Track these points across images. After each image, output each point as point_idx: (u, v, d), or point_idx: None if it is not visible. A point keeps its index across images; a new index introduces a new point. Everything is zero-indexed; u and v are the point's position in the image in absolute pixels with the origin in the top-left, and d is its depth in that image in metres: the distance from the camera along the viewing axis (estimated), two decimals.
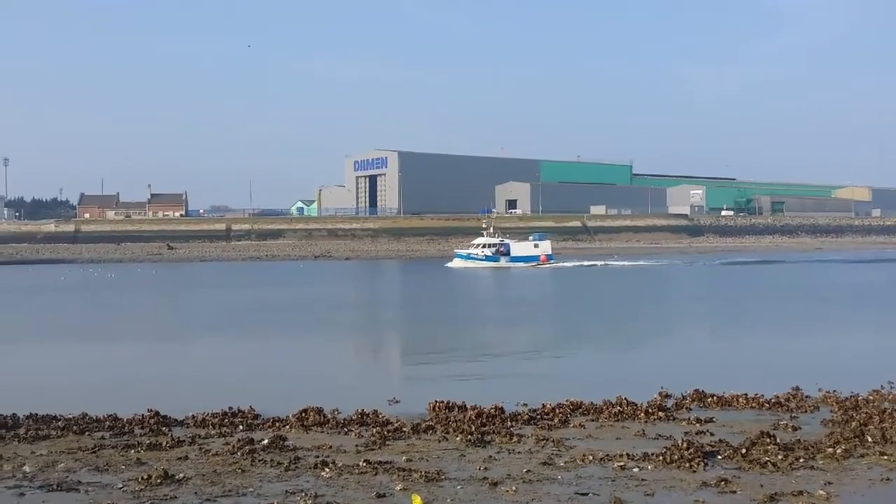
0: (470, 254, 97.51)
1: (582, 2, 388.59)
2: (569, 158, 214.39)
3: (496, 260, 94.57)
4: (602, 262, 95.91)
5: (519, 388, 19.98)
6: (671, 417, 16.40)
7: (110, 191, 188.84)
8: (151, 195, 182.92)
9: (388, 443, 14.23)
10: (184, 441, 14.47)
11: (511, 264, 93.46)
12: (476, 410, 16.55)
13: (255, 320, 41.07)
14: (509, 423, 15.75)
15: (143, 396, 19.28)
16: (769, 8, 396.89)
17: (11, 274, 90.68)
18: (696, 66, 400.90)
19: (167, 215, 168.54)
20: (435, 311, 46.19)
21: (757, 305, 45.73)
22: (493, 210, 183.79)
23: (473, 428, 15.04)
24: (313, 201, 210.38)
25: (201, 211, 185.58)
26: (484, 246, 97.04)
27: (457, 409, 16.91)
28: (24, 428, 15.66)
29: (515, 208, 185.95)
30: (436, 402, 17.43)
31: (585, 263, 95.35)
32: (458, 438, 14.41)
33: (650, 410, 16.76)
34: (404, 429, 15.20)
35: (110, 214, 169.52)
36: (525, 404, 17.48)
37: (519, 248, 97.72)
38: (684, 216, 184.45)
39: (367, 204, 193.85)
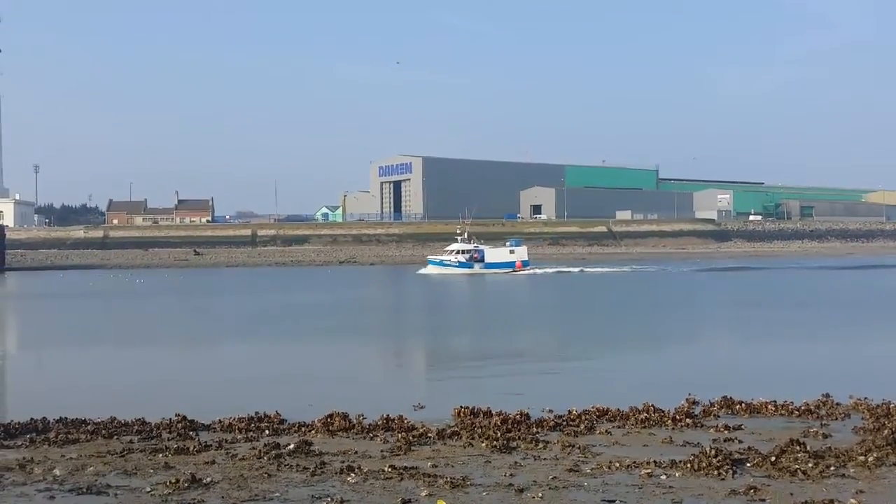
0: (443, 260, 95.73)
1: (607, 5, 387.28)
2: (594, 163, 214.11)
3: (470, 266, 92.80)
4: (579, 269, 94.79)
5: (544, 394, 19.89)
6: (699, 424, 16.25)
7: (138, 197, 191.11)
8: (178, 201, 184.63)
9: (413, 448, 14.21)
10: (211, 445, 14.54)
11: (485, 271, 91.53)
12: (501, 416, 16.49)
13: (279, 325, 41.27)
14: (535, 430, 15.67)
15: (170, 401, 19.42)
16: (796, 9, 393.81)
17: (42, 279, 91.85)
18: (723, 69, 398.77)
19: (194, 221, 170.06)
20: (444, 317, 46.19)
21: (751, 313, 45.30)
22: (519, 215, 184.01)
23: (499, 434, 14.98)
24: (338, 207, 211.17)
25: (227, 217, 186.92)
26: (458, 252, 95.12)
27: (482, 415, 16.85)
28: (53, 432, 15.81)
29: (540, 213, 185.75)
30: (461, 407, 17.39)
31: (563, 270, 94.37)
32: (483, 444, 14.37)
33: (677, 417, 16.62)
34: (429, 434, 15.18)
35: (138, 220, 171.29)
36: (550, 410, 17.40)
37: (494, 254, 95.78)
38: (711, 221, 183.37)
39: (392, 209, 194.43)
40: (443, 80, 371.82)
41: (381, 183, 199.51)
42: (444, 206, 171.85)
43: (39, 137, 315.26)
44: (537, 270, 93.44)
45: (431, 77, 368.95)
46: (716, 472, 12.23)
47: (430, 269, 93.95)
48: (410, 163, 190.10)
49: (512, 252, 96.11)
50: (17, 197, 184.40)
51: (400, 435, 15.13)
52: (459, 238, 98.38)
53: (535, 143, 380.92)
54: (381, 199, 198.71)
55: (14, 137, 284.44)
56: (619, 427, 16.08)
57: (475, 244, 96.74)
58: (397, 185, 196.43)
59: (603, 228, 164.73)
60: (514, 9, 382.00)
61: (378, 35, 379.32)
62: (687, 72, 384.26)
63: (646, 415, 16.83)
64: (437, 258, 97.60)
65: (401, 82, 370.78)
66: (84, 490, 11.63)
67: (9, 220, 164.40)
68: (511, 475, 12.27)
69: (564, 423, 16.30)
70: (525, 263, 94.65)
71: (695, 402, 18.41)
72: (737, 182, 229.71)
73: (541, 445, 14.32)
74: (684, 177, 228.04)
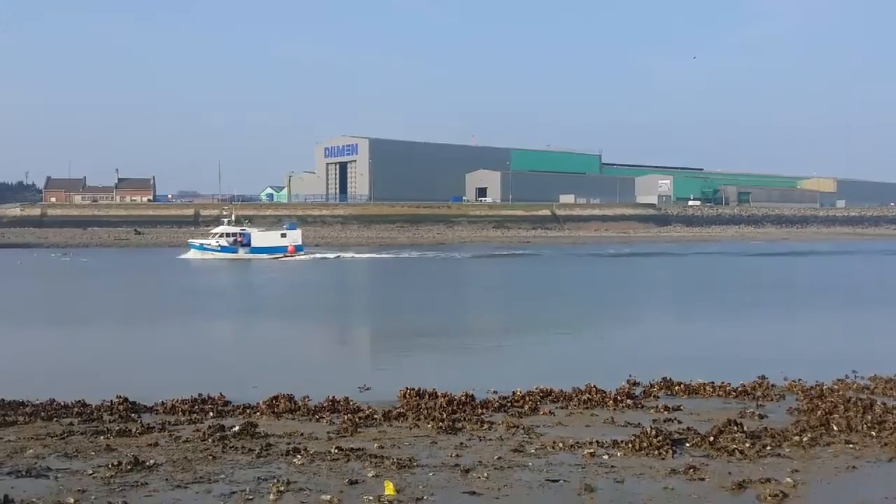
0: (203, 244, 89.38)
1: None
2: (539, 147, 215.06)
3: (233, 251, 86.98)
4: (335, 255, 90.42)
5: (488, 375, 20.08)
6: (639, 405, 16.58)
7: (77, 175, 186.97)
8: (119, 180, 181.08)
9: (359, 430, 14.25)
10: (154, 427, 14.40)
11: (252, 256, 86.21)
12: (447, 398, 16.62)
13: (215, 305, 40.93)
14: (480, 411, 15.84)
15: (110, 382, 19.19)
16: (738, 1, 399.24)
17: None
18: (664, 58, 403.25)
19: (135, 200, 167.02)
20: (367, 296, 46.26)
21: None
22: (464, 198, 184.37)
23: (444, 415, 15.10)
24: (283, 188, 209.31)
25: (169, 196, 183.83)
26: (221, 235, 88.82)
27: (427, 397, 16.96)
28: None
29: (486, 196, 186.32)
30: (406, 389, 17.47)
31: (330, 256, 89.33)
32: (429, 426, 14.47)
33: (619, 398, 16.93)
34: (375, 416, 15.23)
35: (77, 199, 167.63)
36: (495, 392, 17.59)
37: (262, 238, 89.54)
38: (652, 206, 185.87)
39: (338, 191, 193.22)
40: (390, 62, 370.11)
41: (327, 164, 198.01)
42: (390, 188, 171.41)
43: None
44: (317, 255, 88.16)
45: (378, 58, 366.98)
46: (656, 452, 12.50)
47: (192, 254, 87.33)
48: (356, 144, 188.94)
49: (284, 236, 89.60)
50: None
51: (346, 416, 15.16)
52: (226, 221, 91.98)
53: (481, 127, 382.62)
54: (327, 180, 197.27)
55: None
56: (562, 408, 16.32)
57: (242, 228, 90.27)
58: (343, 167, 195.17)
59: (547, 212, 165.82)
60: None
61: (323, 15, 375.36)
62: (630, 60, 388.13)
63: (588, 396, 17.11)
64: (198, 242, 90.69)
65: (347, 63, 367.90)
66: (23, 473, 11.42)
67: None
68: (457, 456, 12.39)
69: (509, 404, 16.50)
70: (299, 248, 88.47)
71: (635, 384, 18.76)
72: (677, 168, 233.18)
73: (486, 426, 14.47)
74: (627, 162, 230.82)
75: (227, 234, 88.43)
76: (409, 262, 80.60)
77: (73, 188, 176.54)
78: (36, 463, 11.96)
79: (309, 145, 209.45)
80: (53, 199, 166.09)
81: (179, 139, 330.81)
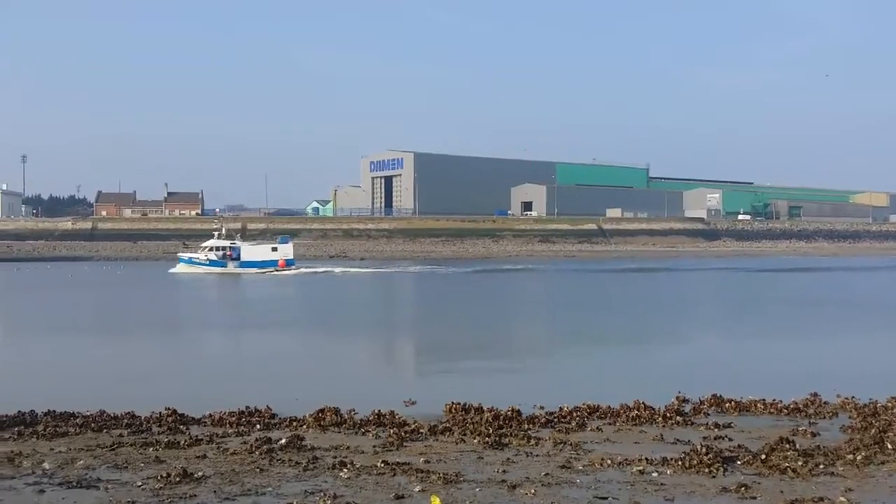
0: (192, 258, 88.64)
1: (599, 5, 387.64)
2: (585, 161, 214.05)
3: (222, 265, 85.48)
4: (340, 270, 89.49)
5: (534, 391, 19.93)
6: (689, 422, 16.32)
7: (127, 189, 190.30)
8: (168, 194, 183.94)
9: (405, 444, 14.21)
10: (202, 440, 14.50)
11: (241, 270, 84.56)
12: (493, 413, 16.51)
13: (268, 318, 41.23)
14: (526, 426, 15.71)
15: (159, 393, 19.48)
16: (786, 11, 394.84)
17: (29, 270, 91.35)
18: (714, 70, 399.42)
19: (183, 214, 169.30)
20: (434, 311, 46.19)
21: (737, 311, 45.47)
22: (510, 212, 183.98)
23: (491, 430, 15.00)
24: (329, 201, 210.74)
25: (217, 210, 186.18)
26: (210, 249, 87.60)
27: (473, 412, 16.86)
28: (42, 425, 15.75)
29: (531, 210, 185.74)
30: (452, 403, 17.39)
31: (320, 270, 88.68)
32: (475, 440, 14.38)
33: (668, 415, 16.68)
34: (421, 430, 15.18)
35: (127, 212, 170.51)
36: (542, 407, 17.44)
37: (252, 251, 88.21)
38: (701, 220, 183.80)
39: (383, 204, 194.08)
40: (435, 77, 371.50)
41: (373, 178, 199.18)
42: (435, 202, 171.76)
43: (27, 128, 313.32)
44: (304, 269, 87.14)
45: (424, 73, 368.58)
46: (707, 470, 12.28)
47: (180, 268, 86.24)
48: (402, 158, 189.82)
49: (275, 250, 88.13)
50: (5, 187, 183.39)
51: (392, 430, 15.13)
52: (216, 234, 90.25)
53: (526, 141, 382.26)
54: (373, 193, 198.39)
55: (2, 128, 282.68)
56: (609, 424, 16.12)
57: (232, 242, 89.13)
58: (388, 181, 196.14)
59: (593, 226, 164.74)
60: (507, 7, 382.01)
61: (371, 30, 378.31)
62: (679, 73, 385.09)
63: (636, 412, 16.88)
64: (187, 256, 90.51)
65: (392, 77, 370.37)
66: (74, 484, 11.56)
67: None
68: (504, 471, 12.29)
69: (556, 419, 16.34)
70: (290, 262, 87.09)
71: (685, 400, 18.47)
72: (726, 182, 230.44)
73: (532, 442, 14.34)
74: (675, 176, 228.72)
75: (217, 248, 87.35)
76: (408, 278, 79.81)
77: (124, 202, 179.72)
78: (86, 474, 12.10)
79: (355, 159, 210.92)
80: (104, 213, 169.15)
81: (227, 154, 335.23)
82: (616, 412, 16.99)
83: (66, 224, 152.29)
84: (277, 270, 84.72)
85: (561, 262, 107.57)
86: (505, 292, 62.51)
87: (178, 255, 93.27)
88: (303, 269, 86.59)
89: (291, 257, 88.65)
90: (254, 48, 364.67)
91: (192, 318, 44.35)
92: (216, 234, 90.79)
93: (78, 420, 16.13)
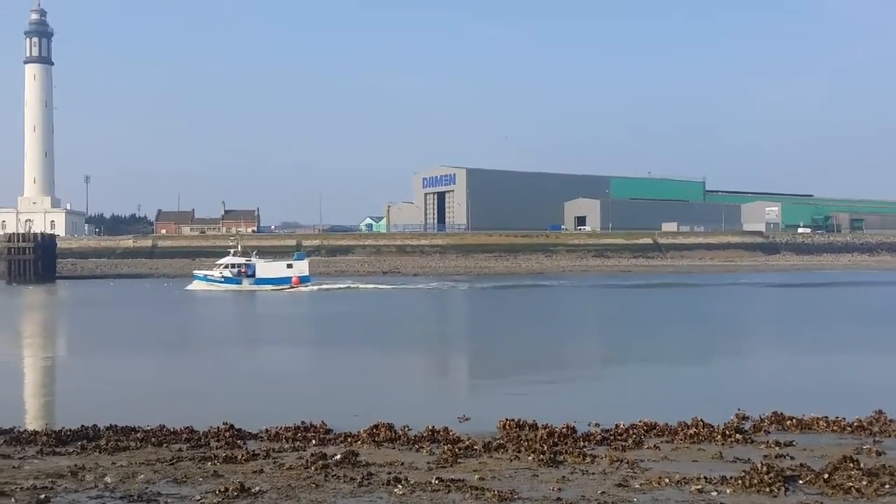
0: (206, 275, 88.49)
1: (652, 15, 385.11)
2: (639, 175, 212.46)
3: (237, 282, 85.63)
4: (349, 285, 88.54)
5: (589, 407, 19.76)
6: (749, 440, 16.00)
7: (186, 207, 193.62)
8: (225, 211, 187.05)
9: (459, 461, 14.17)
10: (258, 454, 14.64)
11: (256, 287, 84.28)
12: (547, 429, 16.40)
13: (321, 334, 41.57)
14: (582, 443, 15.56)
15: (216, 408, 19.83)
16: (845, 19, 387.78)
17: (92, 288, 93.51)
18: (772, 80, 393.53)
19: (240, 231, 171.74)
20: (486, 326, 46.07)
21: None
22: (563, 227, 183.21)
23: (545, 447, 14.89)
24: (382, 217, 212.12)
25: (272, 227, 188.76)
26: (225, 266, 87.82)
27: (527, 428, 16.77)
28: (104, 439, 16.05)
29: (585, 225, 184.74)
30: (506, 420, 17.33)
31: (341, 286, 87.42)
32: (529, 458, 14.28)
33: (727, 432, 16.37)
34: (475, 447, 15.13)
35: (186, 230, 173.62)
36: (597, 424, 17.27)
37: (266, 268, 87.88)
38: (759, 233, 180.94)
39: (436, 220, 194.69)
40: (487, 92, 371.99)
41: (425, 194, 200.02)
42: (488, 218, 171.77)
43: (90, 148, 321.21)
44: (324, 286, 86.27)
45: (475, 89, 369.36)
46: (768, 489, 12.02)
47: (195, 285, 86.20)
48: (454, 174, 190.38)
49: (290, 267, 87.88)
50: (69, 207, 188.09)
51: (446, 447, 15.10)
52: (232, 251, 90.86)
53: (579, 155, 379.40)
54: (425, 210, 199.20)
55: (66, 148, 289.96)
56: (667, 442, 15.89)
57: (248, 259, 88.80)
58: (441, 196, 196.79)
59: (648, 240, 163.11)
60: (556, 23, 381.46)
61: (420, 47, 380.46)
62: (734, 83, 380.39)
63: (694, 430, 16.61)
64: (202, 273, 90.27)
65: (444, 93, 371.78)
66: (135, 498, 11.75)
67: (60, 230, 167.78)
68: (559, 489, 12.17)
69: (612, 437, 16.15)
70: (305, 279, 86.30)
71: (744, 418, 18.14)
72: (785, 194, 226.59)
73: (588, 460, 14.19)
74: (732, 189, 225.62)
75: (232, 265, 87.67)
76: (431, 295, 78.32)
77: (183, 220, 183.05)
78: (147, 488, 12.29)
79: (407, 176, 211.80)
80: (164, 231, 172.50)
81: (282, 171, 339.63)
82: (674, 430, 16.74)
83: (128, 242, 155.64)
84: (292, 287, 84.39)
85: (615, 277, 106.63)
86: (547, 308, 62.21)
87: (193, 272, 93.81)
88: (315, 287, 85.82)
89: (307, 274, 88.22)
90: (307, 70, 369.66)
91: (241, 333, 44.91)
92: (232, 251, 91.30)
93: (139, 434, 16.41)
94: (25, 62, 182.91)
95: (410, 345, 37.92)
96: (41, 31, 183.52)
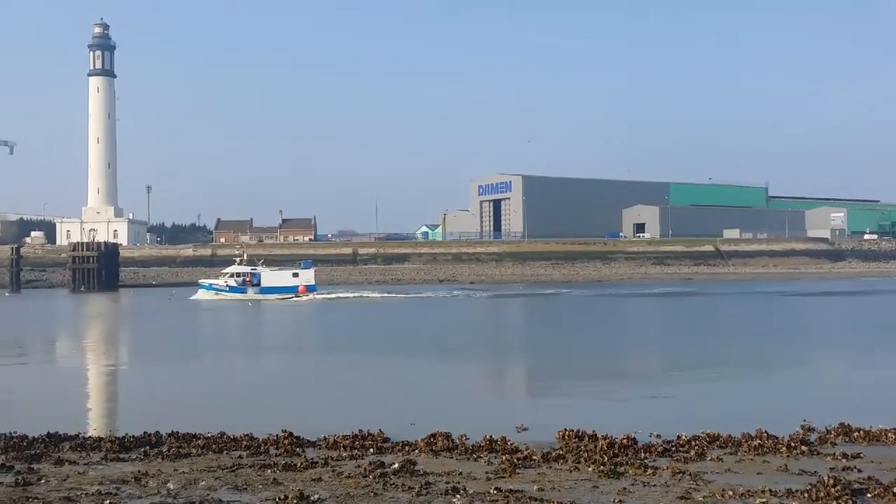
0: (212, 284, 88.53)
1: (711, 17, 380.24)
2: (700, 181, 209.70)
3: (242, 291, 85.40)
4: (357, 294, 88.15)
5: (649, 418, 19.47)
6: (815, 452, 15.59)
7: (244, 216, 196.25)
8: (282, 220, 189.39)
9: (517, 471, 14.04)
10: (317, 462, 14.70)
11: (261, 296, 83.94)
12: (607, 440, 16.18)
13: (379, 341, 41.70)
14: (643, 455, 15.31)
15: (274, 414, 20.11)
16: None
17: (153, 295, 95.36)
18: (836, 84, 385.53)
19: (297, 239, 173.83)
20: (536, 335, 45.75)
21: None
22: (621, 234, 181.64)
23: (606, 458, 14.68)
24: (438, 225, 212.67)
25: (329, 235, 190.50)
26: (231, 275, 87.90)
27: (587, 438, 16.57)
28: (166, 446, 16.29)
29: (644, 232, 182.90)
30: (565, 430, 17.14)
31: (345, 295, 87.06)
32: (589, 469, 14.10)
33: (792, 444, 15.99)
34: (534, 457, 14.99)
35: (244, 239, 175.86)
36: (658, 435, 17.00)
37: (272, 277, 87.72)
38: (824, 240, 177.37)
39: (492, 228, 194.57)
40: (541, 98, 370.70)
41: (481, 201, 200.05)
42: (544, 225, 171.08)
43: (152, 159, 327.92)
44: (330, 295, 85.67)
45: (529, 95, 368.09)
46: (834, 503, 11.69)
47: (201, 294, 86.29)
48: (510, 181, 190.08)
49: (296, 276, 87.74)
50: (131, 216, 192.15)
51: (504, 457, 14.99)
52: (238, 260, 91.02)
53: (637, 161, 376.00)
54: (481, 217, 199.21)
55: (128, 159, 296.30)
56: (730, 454, 15.56)
57: (253, 268, 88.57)
58: (497, 204, 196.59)
59: (710, 247, 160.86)
60: (609, 25, 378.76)
61: (473, 55, 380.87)
62: (797, 87, 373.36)
63: (759, 441, 16.25)
64: (208, 282, 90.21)
65: (499, 100, 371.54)
66: None
67: (123, 239, 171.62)
68: (620, 501, 11.99)
69: (673, 448, 15.87)
70: (311, 288, 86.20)
71: (810, 429, 17.69)
72: (851, 200, 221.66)
73: (649, 471, 13.95)
74: (796, 195, 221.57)
75: (237, 274, 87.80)
76: (433, 303, 77.95)
77: (241, 229, 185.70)
78: (208, 495, 12.41)
79: (463, 183, 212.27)
80: (223, 240, 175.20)
81: (339, 180, 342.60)
82: (737, 441, 16.40)
83: (188, 251, 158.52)
84: (298, 296, 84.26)
85: (676, 285, 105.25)
86: (589, 316, 61.58)
87: (199, 281, 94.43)
88: (329, 295, 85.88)
89: (313, 283, 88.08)
90: (363, 79, 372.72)
91: (289, 340, 45.22)
92: (238, 260, 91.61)
93: (199, 441, 16.61)
94: (89, 75, 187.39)
95: (459, 353, 37.78)
96: (104, 44, 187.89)
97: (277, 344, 43.94)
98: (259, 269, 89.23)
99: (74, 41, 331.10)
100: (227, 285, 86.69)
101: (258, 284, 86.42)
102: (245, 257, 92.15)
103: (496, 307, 73.58)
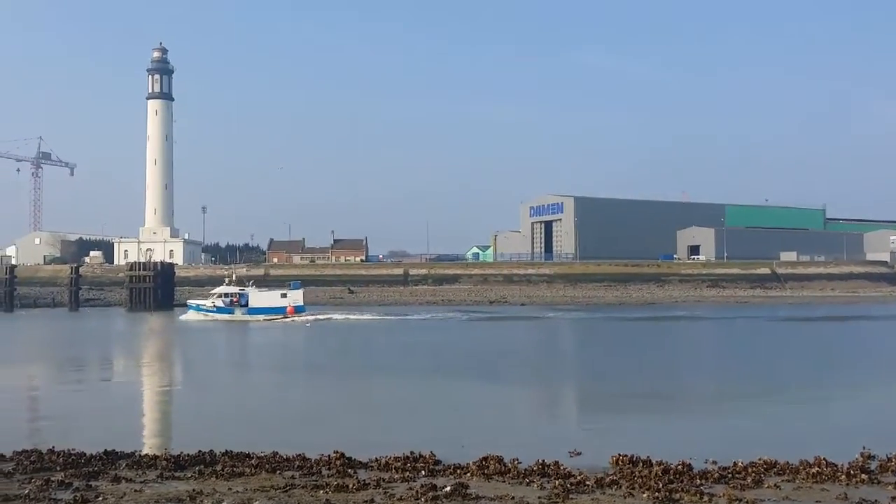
0: (199, 305, 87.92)
1: (763, 38, 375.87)
2: (756, 202, 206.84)
3: (230, 312, 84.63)
4: (343, 315, 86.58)
5: (704, 444, 19.16)
6: (875, 480, 15.21)
7: (297, 236, 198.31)
8: (334, 241, 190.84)
9: (571, 496, 13.90)
10: (369, 484, 14.73)
11: (249, 317, 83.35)
12: (662, 466, 15.95)
13: (430, 363, 41.63)
14: (698, 482, 15.06)
15: (325, 434, 20.22)
16: None
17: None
18: (891, 100, 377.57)
19: (348, 260, 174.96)
20: (593, 358, 45.29)
21: None
22: (675, 256, 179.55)
23: (661, 485, 14.47)
24: (488, 246, 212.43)
25: (380, 256, 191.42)
26: (218, 296, 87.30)
27: (641, 464, 16.36)
28: (220, 464, 16.46)
29: (698, 254, 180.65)
30: (619, 455, 16.95)
31: (337, 316, 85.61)
32: (644, 495, 13.90)
33: (852, 472, 15.61)
34: (587, 482, 14.83)
35: (296, 259, 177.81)
36: (714, 461, 16.71)
37: (260, 298, 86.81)
38: (884, 263, 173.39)
39: (543, 249, 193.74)
40: (593, 120, 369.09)
41: (532, 223, 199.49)
42: (596, 247, 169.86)
43: (206, 179, 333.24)
44: (319, 316, 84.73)
45: (580, 117, 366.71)
46: None
47: (190, 315, 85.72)
48: (562, 203, 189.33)
49: (284, 296, 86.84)
50: (187, 237, 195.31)
51: (556, 482, 14.86)
52: (226, 281, 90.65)
53: (691, 183, 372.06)
54: (532, 238, 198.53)
55: (184, 180, 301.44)
56: (788, 481, 15.24)
57: (241, 288, 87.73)
58: (548, 225, 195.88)
59: (766, 270, 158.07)
60: (667, 49, 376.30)
61: (523, 77, 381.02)
62: (853, 106, 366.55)
63: (817, 469, 15.90)
64: (196, 303, 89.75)
65: (549, 122, 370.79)
66: None
67: (178, 259, 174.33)
68: None
69: (730, 475, 15.59)
70: (299, 309, 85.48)
71: (870, 457, 17.26)
72: None
73: (705, 498, 13.71)
74: (854, 217, 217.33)
75: (225, 295, 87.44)
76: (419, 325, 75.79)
77: (293, 249, 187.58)
78: None
79: (514, 204, 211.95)
80: (275, 260, 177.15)
81: (390, 201, 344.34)
82: (795, 468, 16.07)
83: (241, 270, 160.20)
84: (286, 317, 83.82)
85: (731, 308, 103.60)
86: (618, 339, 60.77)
87: (187, 301, 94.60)
88: (318, 316, 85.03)
89: (301, 304, 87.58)
90: (415, 101, 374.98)
91: (329, 361, 45.24)
92: (226, 280, 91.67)
93: (253, 461, 16.74)
94: (148, 98, 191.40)
95: (506, 376, 37.46)
96: (162, 68, 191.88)
97: (318, 364, 43.79)
98: (247, 289, 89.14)
99: (134, 65, 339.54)
100: (215, 306, 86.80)
101: (246, 305, 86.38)
102: (234, 278, 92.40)
103: (549, 330, 73.17)
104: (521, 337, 63.96)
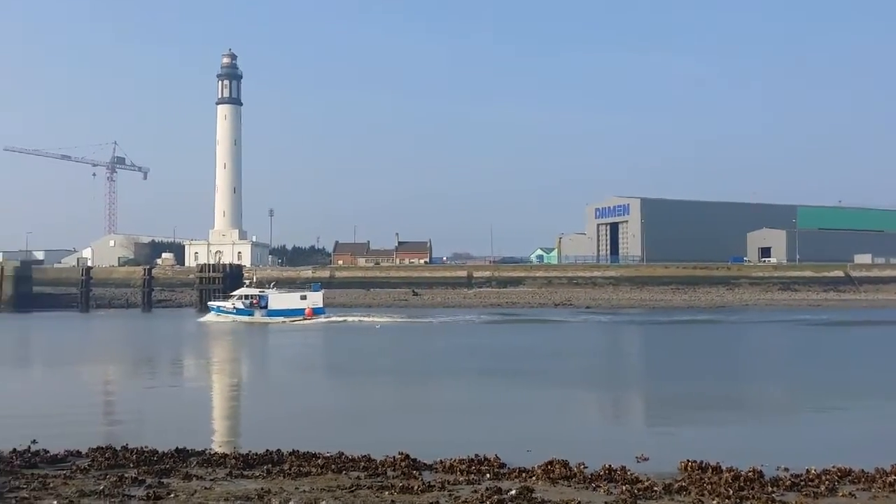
0: (220, 307, 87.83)
1: (834, 32, 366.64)
2: (829, 203, 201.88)
3: (250, 313, 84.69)
4: (358, 318, 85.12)
5: (776, 450, 18.71)
6: None
7: (361, 239, 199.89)
8: (398, 243, 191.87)
9: (638, 502, 13.72)
10: (434, 486, 14.73)
11: (268, 319, 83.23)
12: (732, 473, 15.63)
13: (494, 366, 41.52)
14: (770, 489, 14.72)
15: (389, 435, 20.42)
16: None
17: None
18: None
19: (412, 262, 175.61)
20: (668, 362, 44.60)
21: None
22: (745, 258, 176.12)
23: (731, 492, 14.18)
24: (553, 249, 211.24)
25: (444, 258, 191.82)
26: (239, 298, 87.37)
27: (711, 471, 16.05)
28: (287, 464, 16.65)
29: (769, 256, 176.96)
30: (688, 461, 16.67)
31: (349, 319, 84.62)
32: (713, 502, 13.65)
33: None
34: (655, 488, 14.61)
35: (361, 261, 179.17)
36: (786, 469, 16.32)
37: (279, 300, 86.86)
38: None
39: (609, 252, 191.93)
40: (659, 123, 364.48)
41: (598, 225, 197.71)
42: (663, 249, 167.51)
43: (274, 183, 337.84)
44: (337, 318, 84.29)
45: (647, 120, 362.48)
46: None
47: (209, 317, 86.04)
48: (628, 204, 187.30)
49: (304, 298, 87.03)
50: (254, 239, 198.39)
51: (623, 487, 14.68)
52: (247, 283, 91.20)
53: (763, 184, 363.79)
54: (598, 241, 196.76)
55: (252, 183, 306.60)
56: (864, 489, 14.81)
57: (261, 290, 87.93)
58: (614, 227, 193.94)
59: (840, 273, 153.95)
60: (730, 49, 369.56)
61: (587, 79, 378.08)
62: None
63: (894, 477, 15.41)
64: (216, 304, 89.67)
65: (616, 125, 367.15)
66: None
67: (246, 261, 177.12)
68: None
69: (802, 482, 15.21)
70: (318, 311, 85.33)
71: None
72: None
73: None
74: None
75: (245, 297, 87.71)
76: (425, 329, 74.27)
77: (358, 251, 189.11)
78: None
79: (579, 207, 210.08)
80: (340, 262, 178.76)
81: (454, 203, 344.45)
82: (871, 476, 15.59)
83: (308, 272, 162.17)
84: (305, 319, 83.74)
85: (804, 312, 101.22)
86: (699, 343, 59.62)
87: (208, 303, 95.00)
88: (332, 318, 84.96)
89: (321, 306, 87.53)
90: (479, 106, 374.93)
91: (386, 363, 45.34)
92: (247, 282, 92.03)
93: (319, 461, 16.89)
94: (217, 103, 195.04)
95: (571, 379, 37.14)
96: (232, 73, 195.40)
97: (373, 366, 43.80)
98: (267, 291, 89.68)
99: (204, 71, 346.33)
100: (235, 307, 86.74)
101: (266, 307, 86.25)
102: (254, 280, 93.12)
103: (610, 330, 72.45)
104: (579, 338, 63.42)
